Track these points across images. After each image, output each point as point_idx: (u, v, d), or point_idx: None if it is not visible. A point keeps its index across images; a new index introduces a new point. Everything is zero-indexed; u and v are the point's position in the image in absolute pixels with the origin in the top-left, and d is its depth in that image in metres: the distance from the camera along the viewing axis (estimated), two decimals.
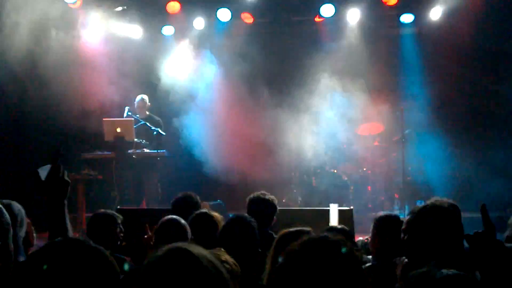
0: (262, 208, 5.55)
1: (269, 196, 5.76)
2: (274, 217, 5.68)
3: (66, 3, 11.86)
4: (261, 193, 5.81)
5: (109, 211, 5.70)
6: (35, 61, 11.12)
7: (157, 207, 10.27)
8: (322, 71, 12.63)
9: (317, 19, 12.84)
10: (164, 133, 11.65)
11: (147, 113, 11.86)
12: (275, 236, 5.00)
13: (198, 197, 6.16)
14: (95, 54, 12.34)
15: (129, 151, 11.24)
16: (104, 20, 12.52)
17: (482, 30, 11.92)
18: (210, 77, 13.07)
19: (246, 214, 4.65)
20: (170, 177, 12.12)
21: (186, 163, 12.77)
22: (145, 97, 11.89)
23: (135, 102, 11.80)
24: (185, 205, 5.79)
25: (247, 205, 5.73)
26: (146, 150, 11.38)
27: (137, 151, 11.30)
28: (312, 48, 13.30)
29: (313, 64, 12.80)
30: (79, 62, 11.99)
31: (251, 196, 5.81)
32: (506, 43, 12.23)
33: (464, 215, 3.58)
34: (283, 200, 12.27)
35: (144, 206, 11.14)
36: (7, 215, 2.75)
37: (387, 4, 12.31)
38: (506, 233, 4.44)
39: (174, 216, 4.80)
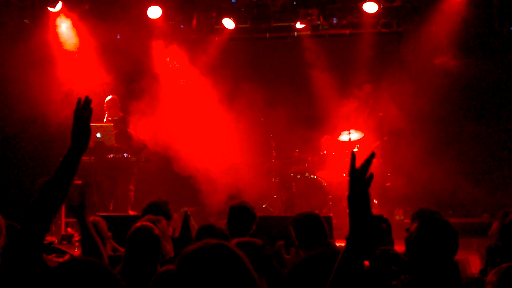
0: (242, 216, 5.65)
1: (249, 205, 5.85)
2: (254, 225, 5.76)
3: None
4: (242, 202, 5.92)
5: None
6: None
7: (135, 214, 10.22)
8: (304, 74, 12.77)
9: (298, 26, 12.82)
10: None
11: (120, 114, 11.83)
12: None
13: (167, 204, 6.17)
14: (73, 55, 12.33)
15: (110, 156, 11.20)
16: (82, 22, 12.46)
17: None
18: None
19: (213, 224, 4.72)
20: (150, 182, 12.09)
21: (166, 168, 12.72)
22: (116, 97, 11.82)
23: (105, 103, 11.71)
24: (154, 212, 5.80)
25: (227, 213, 5.81)
26: (126, 155, 11.33)
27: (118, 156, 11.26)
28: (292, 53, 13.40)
29: (295, 67, 12.90)
30: (57, 63, 11.98)
31: (232, 204, 5.91)
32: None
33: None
34: (263, 206, 12.32)
35: (129, 212, 11.10)
36: None
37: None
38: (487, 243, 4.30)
39: (145, 224, 4.76)
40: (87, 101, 3.22)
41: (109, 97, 11.72)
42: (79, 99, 3.22)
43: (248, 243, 3.71)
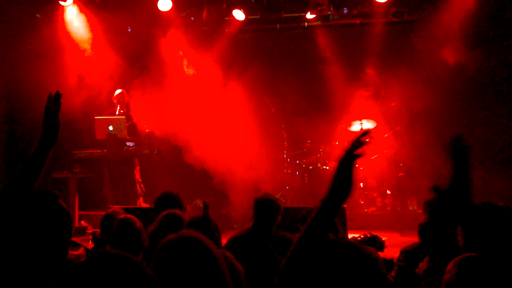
0: (267, 208, 5.75)
1: (273, 197, 6.00)
2: (279, 216, 5.83)
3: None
4: (265, 194, 6.03)
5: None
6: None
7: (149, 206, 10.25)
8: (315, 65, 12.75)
9: (308, 16, 12.78)
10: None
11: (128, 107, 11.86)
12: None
13: (179, 195, 6.20)
14: (84, 48, 12.37)
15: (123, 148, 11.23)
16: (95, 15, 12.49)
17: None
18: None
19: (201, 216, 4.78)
20: (162, 174, 12.11)
21: (178, 161, 12.74)
22: (124, 91, 11.81)
23: (114, 97, 11.72)
24: (166, 204, 5.87)
25: (253, 206, 5.89)
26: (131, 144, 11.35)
27: (130, 147, 11.28)
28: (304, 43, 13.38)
29: (306, 58, 12.89)
30: (68, 57, 12.03)
31: (257, 198, 6.00)
32: None
33: None
34: (276, 197, 12.31)
35: (141, 204, 11.12)
36: None
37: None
38: None
39: (129, 217, 4.87)
40: (57, 95, 3.56)
41: (119, 91, 11.72)
42: (50, 94, 3.56)
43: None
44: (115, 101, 11.62)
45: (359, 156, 2.49)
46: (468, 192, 2.79)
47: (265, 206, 5.83)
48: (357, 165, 2.54)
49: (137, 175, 11.50)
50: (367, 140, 2.46)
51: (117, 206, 7.75)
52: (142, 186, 11.42)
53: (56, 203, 2.45)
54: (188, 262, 2.16)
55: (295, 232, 5.25)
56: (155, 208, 5.94)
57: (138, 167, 11.53)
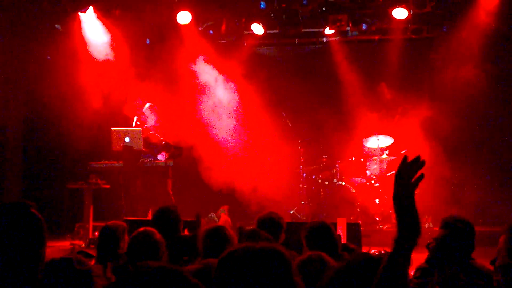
0: (270, 226, 5.73)
1: (276, 215, 5.98)
2: (283, 234, 5.82)
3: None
4: (269, 213, 6.02)
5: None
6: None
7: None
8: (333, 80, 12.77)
9: (327, 31, 12.78)
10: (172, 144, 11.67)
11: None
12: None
13: (176, 210, 6.27)
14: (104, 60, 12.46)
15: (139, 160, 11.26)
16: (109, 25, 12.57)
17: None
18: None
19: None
20: (179, 187, 12.12)
21: (195, 174, 12.74)
22: (152, 104, 11.86)
23: (144, 110, 11.77)
24: (164, 219, 5.96)
25: (256, 224, 5.88)
26: (154, 161, 11.40)
27: (146, 161, 11.31)
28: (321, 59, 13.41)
29: (324, 73, 12.92)
30: (89, 68, 12.14)
31: (260, 215, 6.00)
32: None
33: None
34: (291, 212, 12.28)
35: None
36: None
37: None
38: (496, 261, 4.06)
39: (148, 230, 4.88)
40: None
41: (148, 105, 11.79)
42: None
43: None
44: (142, 115, 11.69)
45: (416, 184, 2.31)
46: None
47: (267, 225, 5.80)
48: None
49: (169, 187, 11.57)
50: (419, 165, 2.30)
51: (132, 218, 7.77)
52: (173, 198, 11.44)
53: (29, 212, 2.55)
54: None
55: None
56: (153, 223, 6.05)
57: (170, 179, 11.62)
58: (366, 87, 12.79)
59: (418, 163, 2.27)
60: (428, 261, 4.57)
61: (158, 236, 4.81)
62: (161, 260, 4.71)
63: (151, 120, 11.70)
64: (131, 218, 9.41)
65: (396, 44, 12.86)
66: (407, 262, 2.27)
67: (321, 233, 5.13)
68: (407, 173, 2.27)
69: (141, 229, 4.90)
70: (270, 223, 5.83)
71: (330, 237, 5.13)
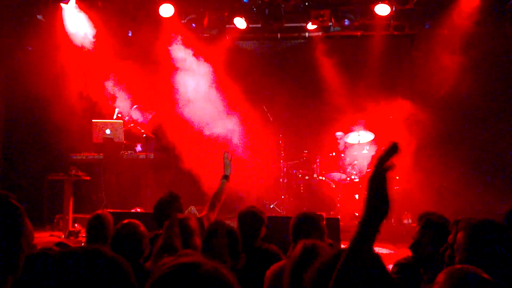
0: (251, 221, 5.71)
1: (258, 210, 5.93)
2: (263, 228, 5.81)
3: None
4: (250, 207, 6.00)
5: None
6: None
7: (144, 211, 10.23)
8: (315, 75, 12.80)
9: (309, 26, 12.80)
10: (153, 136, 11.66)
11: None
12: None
13: (178, 199, 6.20)
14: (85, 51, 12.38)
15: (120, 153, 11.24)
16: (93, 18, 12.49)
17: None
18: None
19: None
20: (160, 180, 12.09)
21: (176, 166, 12.71)
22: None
23: (131, 111, 11.80)
24: (164, 208, 5.89)
25: (237, 219, 5.87)
26: (135, 153, 11.38)
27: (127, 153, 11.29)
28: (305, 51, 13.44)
29: (306, 68, 12.93)
30: (71, 59, 12.05)
31: (240, 210, 5.98)
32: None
33: None
34: (271, 206, 12.31)
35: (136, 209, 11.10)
36: None
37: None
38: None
39: (132, 222, 4.86)
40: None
41: (135, 106, 11.85)
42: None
43: None
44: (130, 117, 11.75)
45: (389, 169, 2.36)
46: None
47: (248, 219, 5.81)
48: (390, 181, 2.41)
49: (150, 179, 11.61)
50: (395, 152, 2.35)
51: (111, 210, 7.74)
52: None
53: (7, 201, 2.52)
54: None
55: (287, 242, 5.24)
56: (154, 213, 5.96)
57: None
58: (347, 82, 12.85)
59: (394, 149, 2.32)
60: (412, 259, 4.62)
61: (142, 228, 4.80)
62: (145, 252, 4.70)
63: (138, 119, 11.70)
64: (112, 210, 9.37)
65: (378, 40, 12.93)
66: (371, 242, 2.31)
67: (310, 222, 5.20)
68: (383, 158, 2.32)
69: (125, 221, 4.88)
70: (251, 218, 5.82)
71: (318, 227, 5.21)
